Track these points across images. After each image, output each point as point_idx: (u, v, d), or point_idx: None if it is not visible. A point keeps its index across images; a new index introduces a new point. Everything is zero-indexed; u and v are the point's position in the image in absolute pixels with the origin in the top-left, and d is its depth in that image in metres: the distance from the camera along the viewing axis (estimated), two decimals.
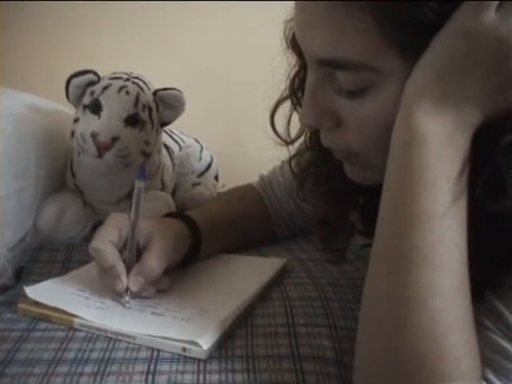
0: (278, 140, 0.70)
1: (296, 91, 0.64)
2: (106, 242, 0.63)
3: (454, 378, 0.39)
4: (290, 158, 0.78)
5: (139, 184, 0.65)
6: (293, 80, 0.65)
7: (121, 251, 0.65)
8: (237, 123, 1.55)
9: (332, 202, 0.66)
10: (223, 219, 0.83)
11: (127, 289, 0.62)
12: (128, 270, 0.63)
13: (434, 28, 0.41)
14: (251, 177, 0.97)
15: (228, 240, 0.83)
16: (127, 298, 0.62)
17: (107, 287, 0.64)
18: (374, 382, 0.43)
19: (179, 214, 0.77)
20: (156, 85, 0.93)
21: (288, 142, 0.70)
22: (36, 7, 1.46)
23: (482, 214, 0.42)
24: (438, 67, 0.41)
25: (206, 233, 0.75)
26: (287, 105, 0.67)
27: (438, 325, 0.40)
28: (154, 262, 0.63)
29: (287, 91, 0.66)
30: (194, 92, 1.21)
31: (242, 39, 1.51)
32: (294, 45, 0.59)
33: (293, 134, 0.70)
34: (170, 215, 0.77)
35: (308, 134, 0.67)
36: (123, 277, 0.62)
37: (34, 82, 1.25)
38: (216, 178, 1.22)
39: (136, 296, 0.63)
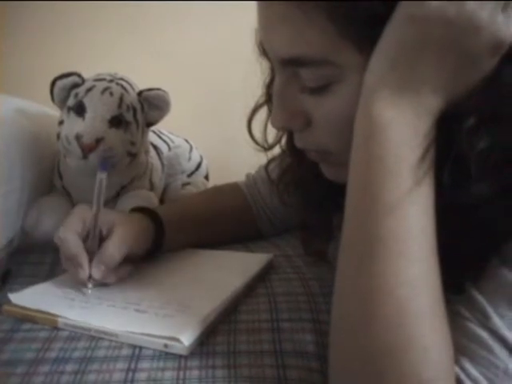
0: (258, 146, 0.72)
1: (272, 97, 0.65)
2: (71, 232, 0.66)
3: (423, 367, 0.39)
4: (267, 164, 0.80)
5: (101, 175, 0.69)
6: (268, 86, 0.65)
7: (85, 241, 0.67)
8: (227, 123, 1.55)
9: (309, 205, 0.67)
10: (194, 214, 0.84)
11: (89, 276, 0.65)
12: (91, 259, 0.65)
13: (386, 18, 0.41)
14: (242, 176, 0.98)
15: (199, 235, 0.84)
16: (90, 285, 0.65)
17: (71, 276, 0.67)
18: (345, 373, 0.43)
19: (145, 208, 0.79)
20: (146, 85, 0.93)
21: (266, 148, 0.71)
22: (30, 9, 1.46)
23: (454, 203, 0.42)
24: (392, 56, 0.41)
25: (171, 227, 0.77)
26: (265, 110, 0.68)
27: (404, 314, 0.40)
28: (113, 249, 0.65)
29: (263, 98, 0.67)
30: (184, 92, 1.22)
31: (231, 38, 1.51)
32: (265, 50, 0.60)
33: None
34: (137, 209, 0.78)
35: (284, 139, 0.69)
36: (85, 265, 0.65)
37: (22, 85, 1.25)
38: (206, 177, 1.23)
39: (98, 284, 0.66)
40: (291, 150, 0.66)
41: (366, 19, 0.42)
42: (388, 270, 0.40)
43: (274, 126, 0.56)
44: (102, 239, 0.68)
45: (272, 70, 0.62)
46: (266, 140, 0.70)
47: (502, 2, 0.38)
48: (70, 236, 0.65)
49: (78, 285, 0.66)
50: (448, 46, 0.39)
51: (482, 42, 0.39)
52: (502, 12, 0.38)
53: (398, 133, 0.41)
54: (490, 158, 0.41)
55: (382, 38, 0.42)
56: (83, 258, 0.65)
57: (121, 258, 0.66)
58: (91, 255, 0.66)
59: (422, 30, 0.39)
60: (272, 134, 0.70)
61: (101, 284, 0.66)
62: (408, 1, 0.40)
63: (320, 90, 0.48)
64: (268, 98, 0.66)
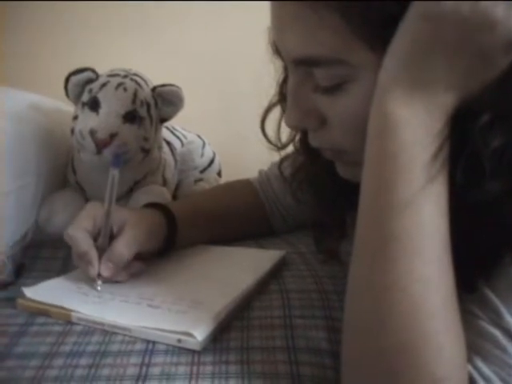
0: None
1: (285, 96, 0.65)
2: (81, 230, 0.66)
3: (437, 366, 0.39)
4: (280, 162, 0.81)
5: (113, 172, 0.69)
6: (281, 85, 0.65)
7: (96, 239, 0.67)
8: (240, 119, 1.55)
9: (323, 203, 0.67)
10: (206, 210, 0.84)
11: (99, 274, 0.65)
12: (101, 256, 0.66)
13: (399, 17, 0.41)
14: (254, 172, 0.98)
15: (211, 231, 0.84)
16: (99, 282, 0.65)
17: (83, 272, 0.67)
18: (358, 372, 0.43)
19: (158, 204, 0.79)
20: (158, 82, 0.93)
21: (279, 147, 0.71)
22: (36, 6, 1.47)
23: (468, 201, 0.42)
24: (405, 54, 0.41)
25: (183, 223, 0.77)
26: (278, 109, 0.68)
27: (418, 312, 0.40)
28: (122, 247, 0.66)
29: (277, 97, 0.67)
30: (197, 88, 1.22)
31: (244, 35, 1.51)
32: (278, 49, 0.60)
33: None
34: (149, 205, 0.78)
35: (297, 138, 0.69)
36: (95, 262, 0.65)
37: (35, 81, 1.25)
38: (219, 173, 1.23)
39: (109, 281, 0.66)
40: (305, 148, 0.66)
41: (379, 18, 0.42)
42: (402, 267, 0.40)
43: (288, 125, 0.56)
44: (113, 237, 0.68)
45: (285, 68, 0.61)
46: (279, 139, 0.70)
47: None
48: (78, 234, 0.66)
49: (90, 281, 0.66)
50: (462, 43, 0.39)
51: (496, 40, 0.39)
52: None
53: (412, 131, 0.41)
54: (504, 156, 0.41)
55: (396, 37, 0.41)
56: (92, 256, 0.65)
57: (130, 256, 0.66)
58: (102, 253, 0.66)
59: (436, 29, 0.39)
60: (285, 132, 0.70)
61: (111, 281, 0.66)
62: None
63: (334, 89, 0.48)
64: (281, 97, 0.66)
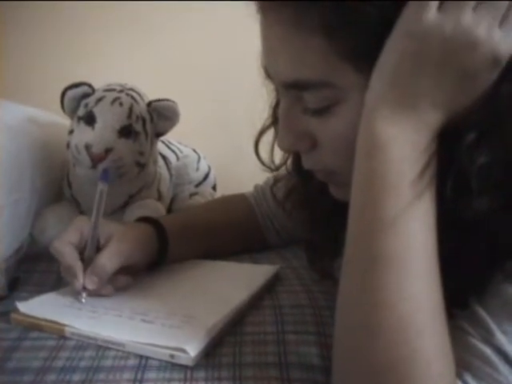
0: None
1: (278, 119, 0.66)
2: (66, 243, 0.67)
3: (426, 382, 0.39)
4: (273, 184, 0.82)
5: (101, 186, 0.70)
6: (274, 108, 0.66)
7: (82, 252, 0.68)
8: (236, 133, 1.56)
9: (316, 224, 0.68)
10: (198, 225, 0.85)
11: (84, 287, 0.65)
12: (87, 270, 0.66)
13: (384, 38, 0.42)
14: (250, 187, 0.98)
15: (204, 245, 0.84)
16: (84, 295, 0.66)
17: (70, 284, 0.68)
18: None
19: (149, 218, 0.79)
20: (153, 95, 0.94)
21: (273, 169, 0.72)
22: (28, 10, 1.47)
23: (456, 218, 0.42)
24: (391, 73, 0.42)
25: (175, 237, 0.77)
26: (271, 131, 0.69)
27: (407, 328, 0.40)
28: (105, 260, 0.66)
29: (270, 119, 0.68)
30: (193, 102, 1.23)
31: (240, 47, 1.51)
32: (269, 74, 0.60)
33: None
34: (142, 219, 0.79)
35: (290, 160, 0.69)
36: (79, 276, 0.65)
37: (30, 91, 1.26)
38: (214, 187, 1.24)
39: (94, 294, 0.66)
40: (297, 170, 0.67)
41: (365, 40, 0.43)
42: (390, 285, 0.41)
43: (280, 148, 0.57)
44: (99, 250, 0.68)
45: (277, 91, 0.62)
46: (272, 161, 0.71)
47: (499, 17, 0.39)
48: (63, 247, 0.66)
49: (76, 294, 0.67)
50: (446, 61, 0.40)
51: (479, 58, 0.39)
52: (499, 27, 0.39)
53: (399, 150, 0.41)
54: (490, 173, 0.41)
55: (381, 56, 0.42)
56: (77, 269, 0.65)
57: (113, 269, 0.66)
58: (88, 266, 0.66)
59: (420, 46, 0.40)
60: (279, 154, 0.70)
61: (97, 295, 0.66)
62: (406, 16, 0.40)
63: (322, 111, 0.49)
64: (274, 120, 0.66)
